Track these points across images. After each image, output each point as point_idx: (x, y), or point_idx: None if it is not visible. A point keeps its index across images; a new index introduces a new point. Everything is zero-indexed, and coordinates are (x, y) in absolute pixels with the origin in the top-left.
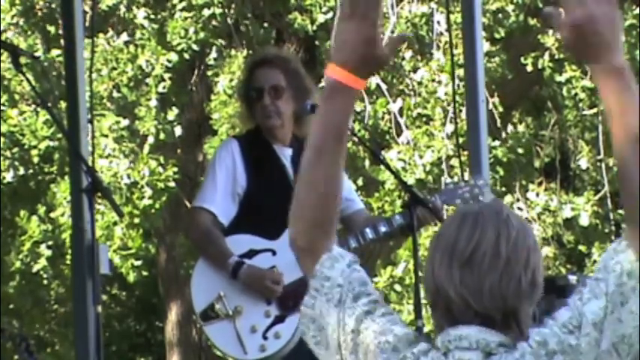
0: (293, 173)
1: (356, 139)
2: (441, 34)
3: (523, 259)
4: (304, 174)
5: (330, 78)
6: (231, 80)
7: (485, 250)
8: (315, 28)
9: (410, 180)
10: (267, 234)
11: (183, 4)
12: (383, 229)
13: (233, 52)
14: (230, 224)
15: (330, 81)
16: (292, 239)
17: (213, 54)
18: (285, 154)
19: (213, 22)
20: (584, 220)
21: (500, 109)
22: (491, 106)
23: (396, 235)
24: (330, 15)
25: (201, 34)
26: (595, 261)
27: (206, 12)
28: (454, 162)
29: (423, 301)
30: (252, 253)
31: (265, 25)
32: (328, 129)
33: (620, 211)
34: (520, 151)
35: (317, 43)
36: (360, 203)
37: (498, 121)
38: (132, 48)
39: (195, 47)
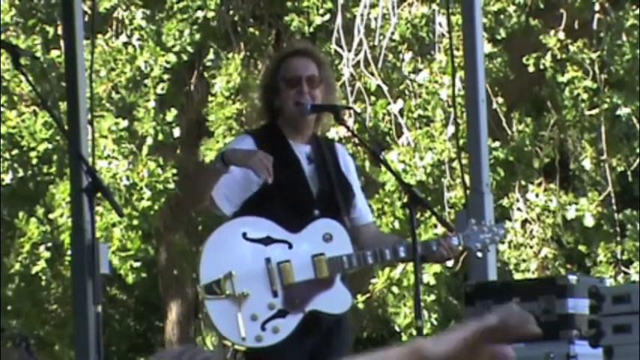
0: (310, 171)
1: (356, 139)
2: (442, 35)
3: None
4: None
5: None
6: (227, 82)
7: None
8: (312, 29)
9: (410, 182)
10: (289, 225)
11: (180, 5)
12: (402, 255)
13: (230, 54)
14: (248, 212)
15: None
16: None
17: (211, 56)
18: (302, 150)
19: (211, 25)
20: (589, 221)
21: (504, 109)
22: (495, 105)
23: (413, 260)
24: (327, 17)
25: (197, 36)
26: (600, 261)
27: (200, 14)
28: (455, 164)
29: (422, 303)
30: (269, 241)
31: (263, 26)
32: None
33: (625, 212)
34: (525, 149)
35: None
36: (371, 215)
37: (504, 120)
38: (130, 49)
39: (189, 49)
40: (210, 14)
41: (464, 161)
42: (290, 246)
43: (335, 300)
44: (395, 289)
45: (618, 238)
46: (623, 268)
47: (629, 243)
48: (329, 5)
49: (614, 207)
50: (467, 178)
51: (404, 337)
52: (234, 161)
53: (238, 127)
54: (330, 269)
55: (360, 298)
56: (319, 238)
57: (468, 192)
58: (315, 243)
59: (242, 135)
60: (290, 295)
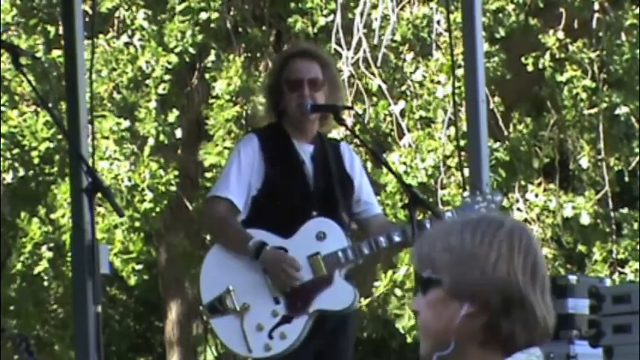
0: (312, 170)
1: (357, 141)
2: (441, 34)
3: None
4: None
5: None
6: (228, 85)
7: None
8: (315, 30)
9: (411, 184)
10: (281, 231)
11: (182, 6)
12: (397, 239)
13: (231, 56)
14: (245, 219)
15: None
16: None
17: (212, 57)
18: (306, 150)
19: (212, 26)
20: (585, 220)
21: (502, 109)
22: (492, 105)
23: (410, 245)
24: (330, 18)
25: (199, 37)
26: (596, 261)
27: (203, 15)
28: (452, 163)
29: None
30: None
31: (264, 27)
32: None
33: (622, 211)
34: (522, 149)
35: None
36: (378, 208)
37: (500, 120)
38: (132, 49)
39: (192, 50)
40: (215, 15)
41: (463, 161)
42: (285, 251)
43: (337, 296)
44: (398, 292)
45: (614, 237)
46: (618, 268)
47: (625, 242)
48: (333, 6)
49: (611, 206)
50: (465, 176)
51: (409, 339)
52: (263, 262)
53: (238, 130)
54: (328, 266)
55: (364, 301)
56: (313, 238)
57: (467, 189)
58: (310, 244)
59: (249, 134)
60: (291, 300)
